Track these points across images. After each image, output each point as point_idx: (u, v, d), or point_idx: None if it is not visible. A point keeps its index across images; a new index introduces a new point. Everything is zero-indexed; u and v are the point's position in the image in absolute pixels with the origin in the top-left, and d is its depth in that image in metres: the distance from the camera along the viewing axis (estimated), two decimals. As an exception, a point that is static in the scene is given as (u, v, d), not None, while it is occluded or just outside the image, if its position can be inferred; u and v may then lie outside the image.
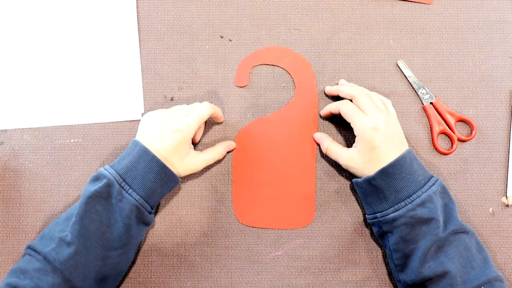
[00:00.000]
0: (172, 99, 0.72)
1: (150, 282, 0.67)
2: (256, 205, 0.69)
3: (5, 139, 0.71)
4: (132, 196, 0.60)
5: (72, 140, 0.71)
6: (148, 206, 0.62)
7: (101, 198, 0.60)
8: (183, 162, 0.65)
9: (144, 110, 0.71)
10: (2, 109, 0.72)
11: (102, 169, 0.62)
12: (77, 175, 0.70)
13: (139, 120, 0.71)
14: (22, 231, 0.69)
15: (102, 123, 0.71)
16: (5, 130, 0.71)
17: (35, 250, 0.59)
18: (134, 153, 0.62)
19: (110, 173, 0.61)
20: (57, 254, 0.57)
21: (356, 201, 0.69)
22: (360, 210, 0.69)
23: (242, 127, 0.71)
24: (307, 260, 0.68)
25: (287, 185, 0.69)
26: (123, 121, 0.71)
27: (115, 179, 0.60)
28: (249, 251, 0.68)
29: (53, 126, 0.71)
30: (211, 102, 0.71)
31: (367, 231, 0.69)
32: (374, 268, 0.68)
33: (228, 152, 0.70)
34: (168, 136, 0.63)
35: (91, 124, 0.71)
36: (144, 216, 0.62)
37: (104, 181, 0.60)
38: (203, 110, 0.65)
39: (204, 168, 0.69)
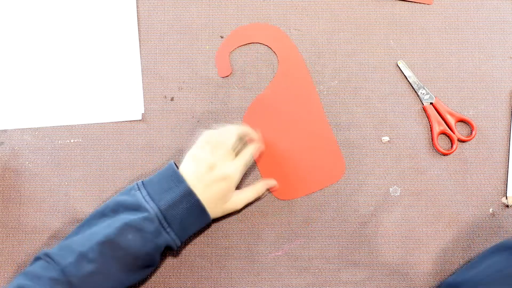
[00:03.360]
0: (172, 99, 0.72)
1: (150, 282, 0.67)
2: (289, 178, 0.69)
3: (5, 139, 0.71)
4: (170, 236, 0.60)
5: (72, 140, 0.71)
6: (180, 243, 0.62)
7: (136, 229, 0.58)
8: (225, 206, 0.65)
9: (144, 110, 0.71)
10: (2, 109, 0.72)
11: (141, 198, 0.60)
12: (77, 175, 0.70)
13: (139, 120, 0.71)
14: (22, 231, 0.69)
15: (102, 123, 0.71)
16: (5, 130, 0.71)
17: (53, 260, 0.57)
18: (177, 191, 0.60)
19: (151, 207, 0.59)
20: (77, 270, 0.56)
21: (356, 201, 0.69)
22: (360, 210, 0.69)
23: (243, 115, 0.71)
24: (307, 260, 0.68)
25: (308, 147, 0.70)
26: (123, 121, 0.71)
27: (156, 216, 0.59)
28: (249, 251, 0.68)
29: (53, 126, 0.71)
30: (211, 103, 0.71)
31: (367, 231, 0.69)
32: (374, 268, 0.68)
33: (268, 191, 0.70)
34: (214, 185, 0.62)
35: (91, 124, 0.71)
36: (171, 249, 0.63)
37: (144, 214, 0.59)
38: (249, 156, 0.66)
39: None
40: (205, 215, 0.62)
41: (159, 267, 0.67)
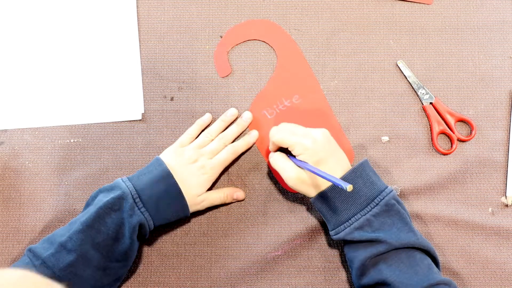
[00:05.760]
0: (172, 99, 0.72)
1: (150, 282, 0.67)
2: None
3: (5, 139, 0.71)
4: (143, 215, 0.60)
5: (72, 140, 0.71)
6: (153, 226, 0.62)
7: (112, 210, 0.59)
8: (198, 198, 0.65)
9: (144, 110, 0.71)
10: (2, 109, 0.71)
11: (119, 180, 0.62)
12: (77, 175, 0.70)
13: (139, 120, 0.71)
14: (22, 231, 0.69)
15: (102, 123, 0.71)
16: (5, 130, 0.71)
17: (34, 255, 0.58)
18: (155, 172, 0.62)
19: (127, 186, 0.61)
20: (57, 261, 0.57)
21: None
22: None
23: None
24: (307, 260, 0.68)
25: None
26: (123, 121, 0.71)
27: (131, 193, 0.60)
28: (249, 251, 0.68)
29: (53, 126, 0.71)
30: (211, 102, 0.72)
31: (367, 231, 0.69)
32: (374, 268, 0.68)
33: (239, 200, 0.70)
34: (194, 174, 0.64)
35: (91, 124, 0.71)
36: (145, 233, 0.62)
37: (118, 192, 0.60)
38: (226, 155, 0.67)
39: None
40: (181, 198, 0.63)
41: (159, 267, 0.68)
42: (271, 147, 0.65)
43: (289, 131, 0.62)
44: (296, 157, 0.61)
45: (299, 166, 0.61)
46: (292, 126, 0.63)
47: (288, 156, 0.63)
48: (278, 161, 0.63)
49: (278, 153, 0.64)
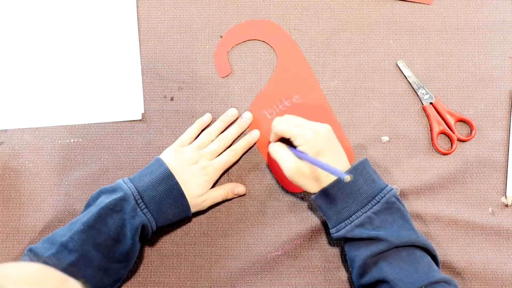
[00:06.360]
0: (172, 99, 0.72)
1: (150, 282, 0.67)
2: None
3: (5, 139, 0.71)
4: (146, 216, 0.61)
5: (72, 140, 0.71)
6: (155, 227, 0.62)
7: (113, 212, 0.59)
8: (199, 198, 0.65)
9: (144, 110, 0.71)
10: (2, 109, 0.72)
11: (121, 181, 0.62)
12: (77, 175, 0.70)
13: (139, 120, 0.71)
14: (22, 231, 0.69)
15: (102, 123, 0.71)
16: (5, 130, 0.71)
17: (35, 254, 0.58)
18: (157, 173, 0.62)
19: (129, 187, 0.61)
20: (58, 261, 0.57)
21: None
22: (360, 210, 0.69)
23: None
24: (307, 260, 0.68)
25: None
26: (123, 121, 0.71)
27: (133, 195, 0.60)
28: (249, 251, 0.68)
29: (53, 126, 0.71)
30: (211, 102, 0.72)
31: (367, 231, 0.69)
32: (374, 268, 0.68)
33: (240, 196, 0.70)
34: (195, 175, 0.64)
35: (91, 124, 0.71)
36: (147, 234, 0.63)
37: (120, 194, 0.60)
38: (228, 157, 0.67)
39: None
40: (183, 198, 0.63)
41: (159, 267, 0.68)
42: (272, 138, 0.65)
43: (292, 122, 0.62)
44: (297, 148, 0.61)
45: (299, 158, 0.61)
46: (295, 118, 0.63)
47: (288, 148, 0.64)
48: (278, 151, 0.63)
49: (278, 143, 0.64)
